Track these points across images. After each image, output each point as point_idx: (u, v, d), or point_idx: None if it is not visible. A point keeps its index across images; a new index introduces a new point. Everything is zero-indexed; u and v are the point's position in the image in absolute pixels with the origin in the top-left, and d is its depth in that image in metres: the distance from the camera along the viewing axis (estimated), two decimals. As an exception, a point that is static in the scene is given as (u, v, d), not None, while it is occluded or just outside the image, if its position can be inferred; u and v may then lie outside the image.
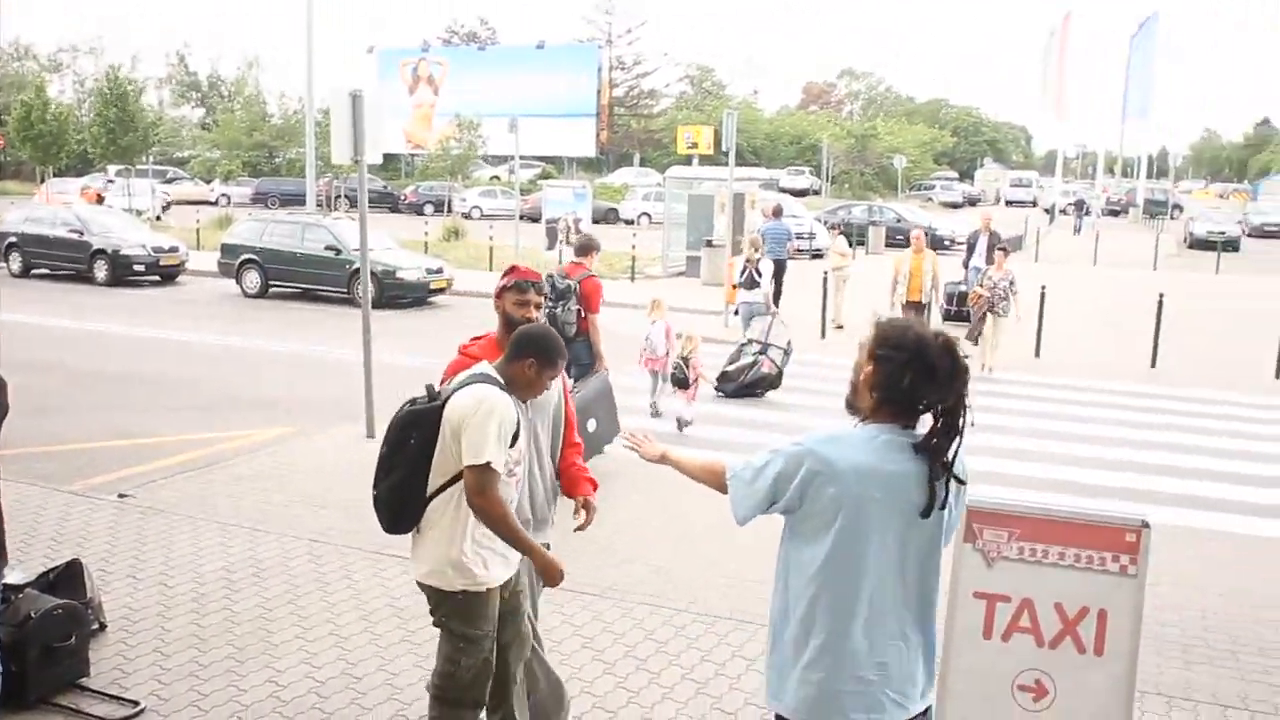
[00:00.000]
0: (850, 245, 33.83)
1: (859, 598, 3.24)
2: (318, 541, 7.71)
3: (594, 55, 66.11)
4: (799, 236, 31.13)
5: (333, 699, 5.46)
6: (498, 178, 55.82)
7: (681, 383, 12.12)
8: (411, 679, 5.67)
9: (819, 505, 3.23)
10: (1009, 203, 73.00)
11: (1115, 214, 65.10)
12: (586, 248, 10.43)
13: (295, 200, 42.61)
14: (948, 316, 19.05)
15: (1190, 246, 43.83)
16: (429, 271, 22.06)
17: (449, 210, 41.57)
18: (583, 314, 9.84)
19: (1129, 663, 4.45)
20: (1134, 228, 55.78)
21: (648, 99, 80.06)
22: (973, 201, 73.21)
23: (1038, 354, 17.02)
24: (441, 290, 22.20)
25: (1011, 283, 15.76)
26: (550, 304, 9.49)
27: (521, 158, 57.69)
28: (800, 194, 59.12)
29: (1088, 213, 50.72)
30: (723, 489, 3.51)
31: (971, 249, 19.97)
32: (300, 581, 6.96)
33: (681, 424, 11.96)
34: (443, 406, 4.28)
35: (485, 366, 4.45)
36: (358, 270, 20.63)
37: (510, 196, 28.54)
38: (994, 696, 4.53)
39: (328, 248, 21.36)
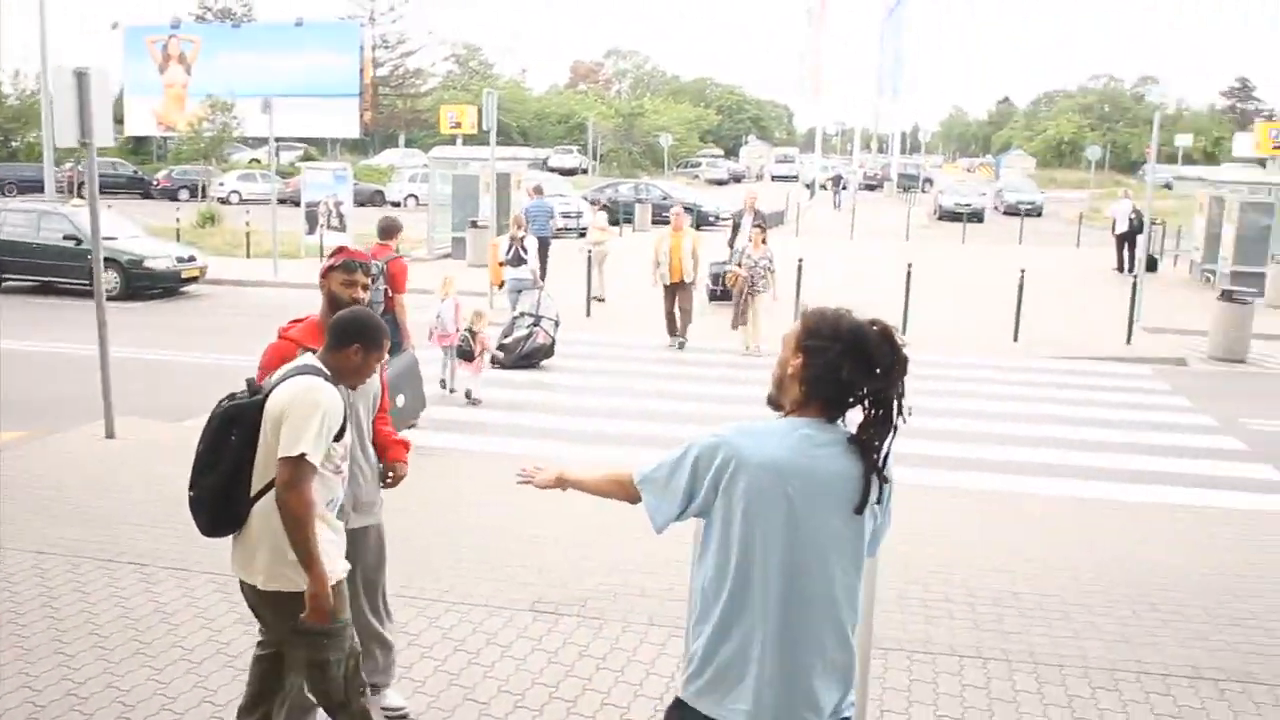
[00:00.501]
0: (616, 223, 34.16)
1: (776, 598, 2.99)
2: (44, 553, 7.20)
3: (355, 33, 64.33)
4: (566, 215, 31.17)
5: (56, 722, 5.10)
6: (257, 161, 53.66)
7: (467, 355, 12.38)
8: (143, 694, 5.35)
9: (732, 499, 3.01)
10: (774, 178, 75.07)
11: (872, 188, 67.83)
12: (391, 230, 10.60)
13: (35, 187, 39.87)
14: (714, 297, 19.29)
15: (940, 218, 46.06)
16: (180, 260, 21.03)
17: (204, 195, 39.71)
18: (389, 294, 10.02)
19: (865, 626, 4.57)
20: (889, 201, 58.24)
21: (413, 78, 78.53)
22: (738, 178, 74.95)
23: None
24: (194, 279, 21.20)
25: (770, 261, 15.62)
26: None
27: (282, 139, 55.82)
28: (569, 173, 59.28)
29: (845, 188, 52.64)
30: (634, 499, 3.29)
31: (737, 228, 19.76)
32: (23, 598, 6.49)
33: (470, 397, 12.34)
34: (264, 401, 4.06)
35: (310, 358, 4.23)
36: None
37: (271, 180, 27.39)
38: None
39: (66, 237, 20.07)
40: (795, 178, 73.13)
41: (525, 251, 15.71)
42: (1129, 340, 17.05)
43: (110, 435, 10.07)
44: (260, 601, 4.22)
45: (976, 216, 44.62)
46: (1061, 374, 14.98)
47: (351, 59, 61.44)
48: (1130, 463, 10.62)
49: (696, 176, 68.53)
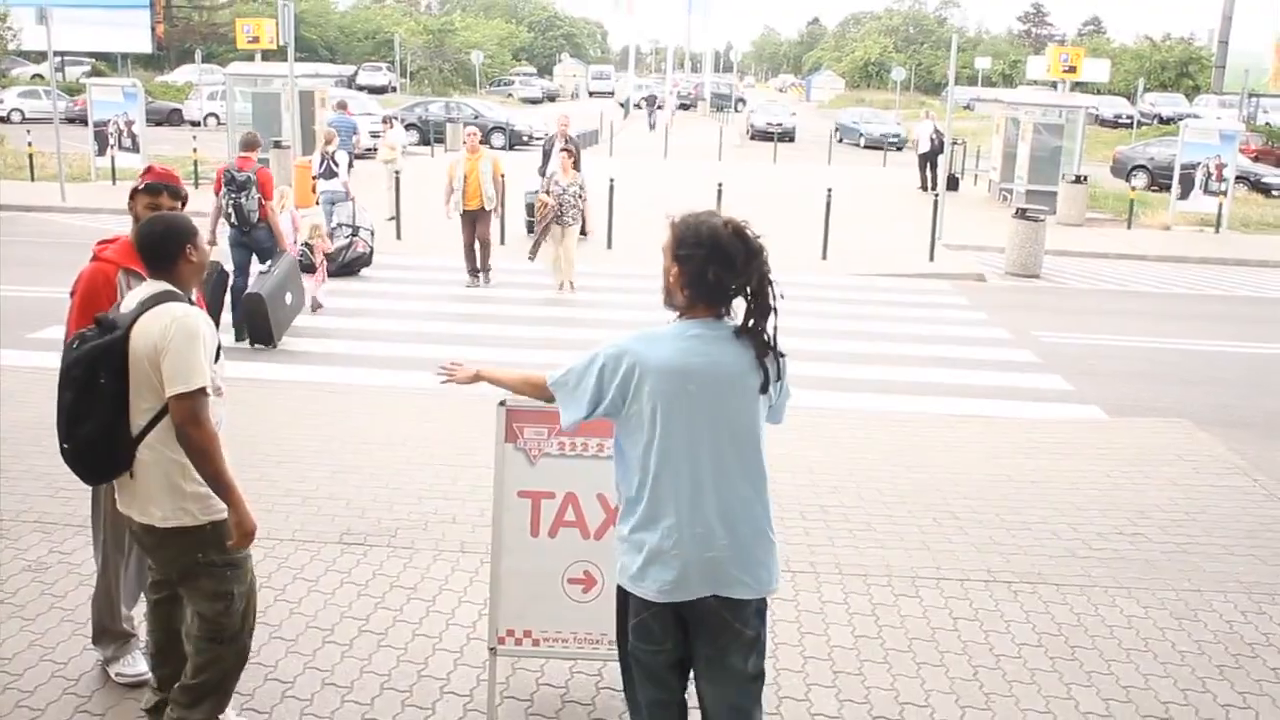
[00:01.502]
0: (427, 142, 33.44)
1: (694, 484, 3.36)
2: None
3: (143, -60, 60.64)
4: (375, 135, 30.28)
5: None
6: (40, 76, 50.31)
7: (308, 268, 12.86)
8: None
9: (639, 402, 3.35)
10: (591, 94, 74.37)
11: (685, 108, 67.99)
12: (252, 143, 11.74)
13: None
14: (531, 229, 18.08)
15: (752, 138, 46.58)
16: (-47, 183, 19.60)
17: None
18: (261, 202, 11.19)
19: (669, 544, 4.59)
20: (703, 121, 58.54)
21: (209, -10, 74.65)
22: (552, 97, 74.18)
23: (610, 246, 17.52)
24: (-29, 204, 19.82)
25: (581, 189, 14.20)
26: (234, 195, 11.15)
27: (66, 54, 52.51)
28: (378, 91, 57.54)
29: (660, 108, 52.53)
30: (548, 398, 3.63)
31: (548, 155, 18.15)
32: None
33: (315, 306, 12.75)
34: (126, 336, 3.78)
35: (160, 284, 3.94)
36: None
37: (54, 97, 25.65)
38: (545, 593, 4.57)
39: None
40: (612, 94, 72.69)
41: (337, 165, 16.25)
42: (931, 257, 17.61)
43: (-124, 373, 9.35)
44: (160, 541, 3.98)
45: (788, 136, 45.29)
46: (866, 290, 15.39)
47: (140, -33, 57.90)
48: (930, 376, 11.00)
49: (510, 95, 67.44)
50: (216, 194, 11.31)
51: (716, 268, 3.33)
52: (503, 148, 37.87)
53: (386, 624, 5.37)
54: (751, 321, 3.40)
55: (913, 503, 7.18)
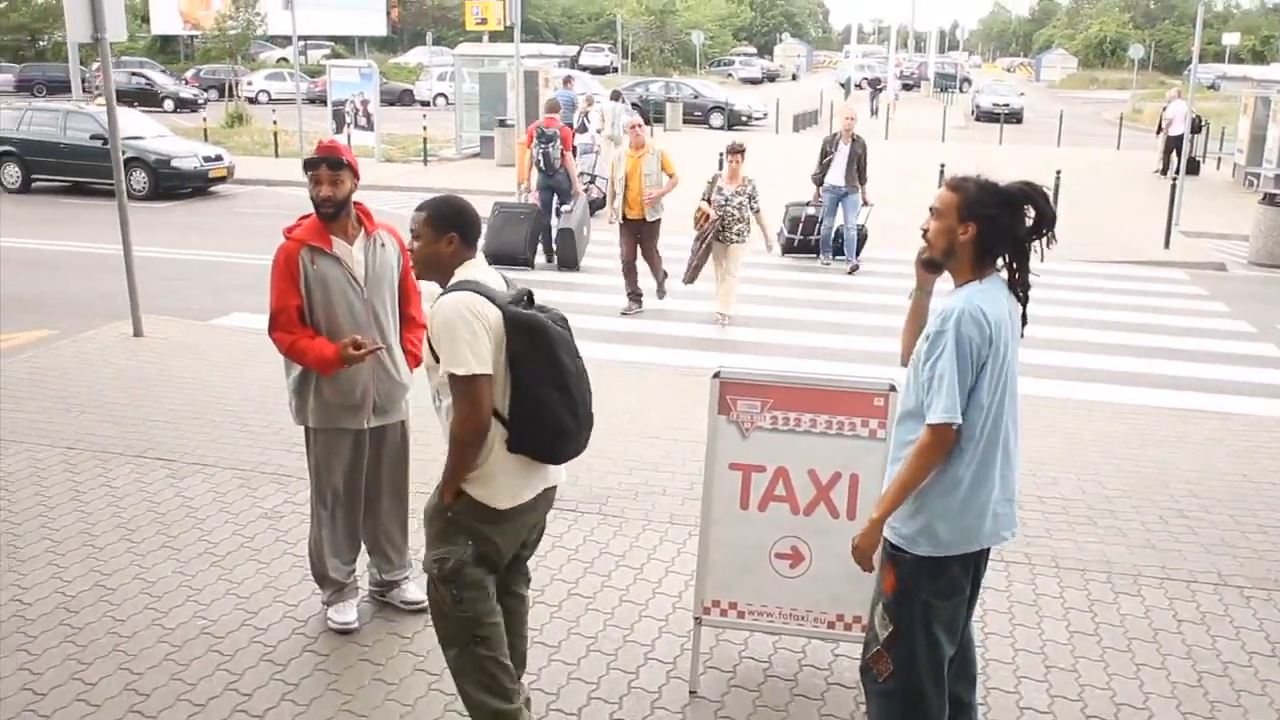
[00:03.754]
0: (648, 121, 33.74)
1: (1011, 427, 3.58)
2: (74, 449, 7.26)
3: (383, -72, 63.21)
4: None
5: (84, 613, 5.16)
6: (285, 60, 53.21)
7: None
8: (170, 586, 5.41)
9: (989, 356, 3.44)
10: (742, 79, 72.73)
11: (908, 88, 66.55)
12: (555, 106, 14.85)
13: (64, 88, 39.68)
14: (789, 249, 15.37)
15: (977, 119, 45.23)
16: (206, 160, 20.93)
17: (229, 95, 39.16)
18: (564, 153, 14.13)
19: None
20: (926, 101, 57.19)
21: (442, -26, 77.31)
22: (772, 77, 73.71)
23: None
24: (222, 179, 21.14)
25: (751, 199, 11.23)
26: (543, 146, 14.01)
27: (309, 38, 55.28)
28: (600, 71, 58.40)
29: (882, 89, 51.33)
30: (941, 443, 3.45)
31: (828, 163, 14.57)
32: (53, 492, 6.55)
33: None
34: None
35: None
36: (129, 160, 19.61)
37: (298, 79, 27.09)
38: (752, 565, 4.58)
39: (93, 137, 19.95)
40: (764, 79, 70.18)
41: (589, 122, 20.85)
42: (1167, 245, 16.74)
43: (138, 334, 10.09)
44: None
45: (1015, 117, 43.76)
46: (1098, 278, 14.75)
47: (379, -46, 60.41)
48: (1162, 368, 10.47)
49: (730, 75, 67.45)
50: (528, 147, 14.45)
51: (1021, 224, 3.54)
52: (721, 127, 37.96)
53: (595, 589, 5.49)
54: (1020, 279, 3.61)
55: (1138, 498, 6.87)
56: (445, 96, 42.38)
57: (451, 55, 32.32)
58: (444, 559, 3.74)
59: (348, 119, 25.91)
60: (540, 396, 3.58)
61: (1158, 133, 27.96)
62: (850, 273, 14.46)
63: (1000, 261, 3.59)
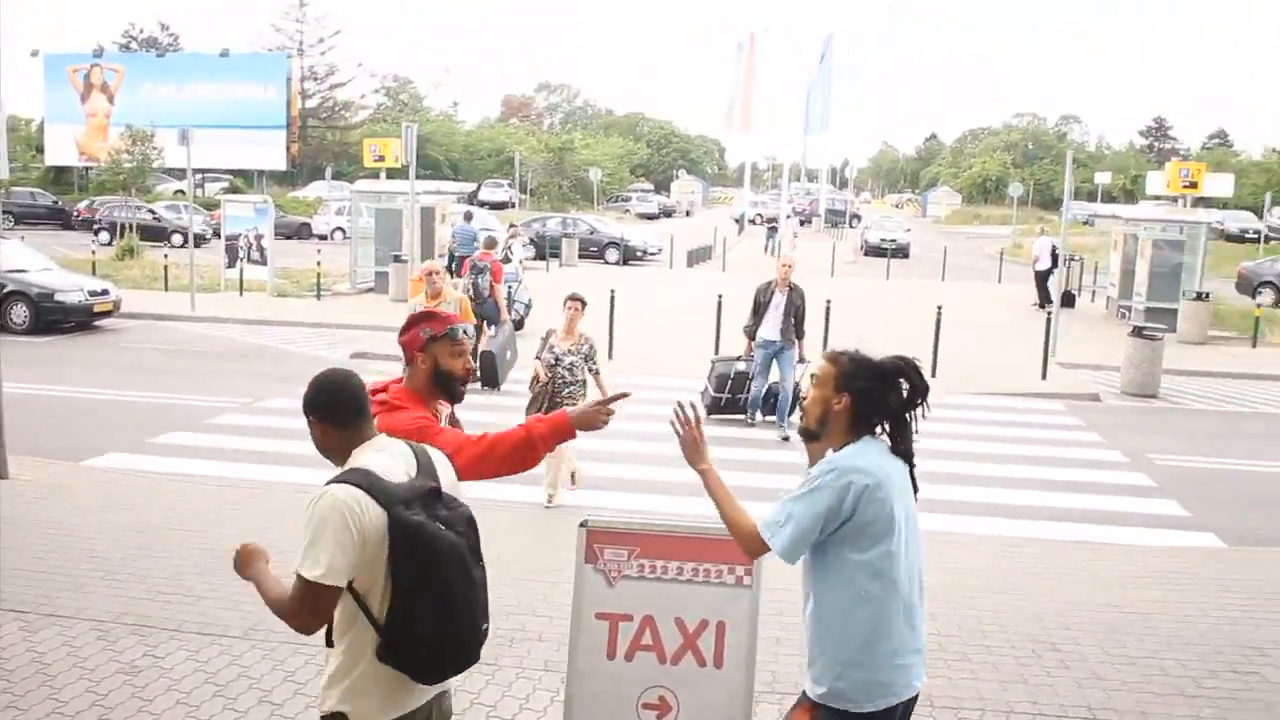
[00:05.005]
0: (543, 257, 34.18)
1: (907, 586, 3.69)
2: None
3: (283, 65, 63.67)
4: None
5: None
6: (182, 192, 52.90)
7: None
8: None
9: (870, 512, 3.55)
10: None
11: (803, 224, 68.38)
12: (491, 243, 18.01)
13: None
14: (716, 409, 13.69)
15: (866, 253, 46.55)
16: (92, 294, 20.57)
17: (122, 231, 38.54)
18: (492, 285, 15.52)
19: (747, 673, 4.53)
20: (817, 236, 58.79)
21: (343, 110, 78.07)
22: (668, 213, 75.27)
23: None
24: (107, 313, 20.74)
25: (588, 357, 9.83)
26: (475, 277, 15.52)
27: (207, 171, 55.16)
28: (499, 206, 59.15)
29: (776, 230, 51.22)
30: (752, 540, 3.65)
31: (760, 309, 13.25)
32: (-103, 649, 6.22)
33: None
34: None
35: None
36: (10, 294, 19.22)
37: (198, 212, 26.95)
38: (620, 716, 4.52)
39: (-29, 272, 19.55)
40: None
41: (512, 254, 22.47)
42: (1044, 376, 17.27)
43: (2, 475, 9.76)
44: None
45: (902, 252, 45.18)
46: (977, 410, 15.12)
47: (279, 90, 60.82)
48: (1040, 499, 10.71)
49: (627, 211, 68.70)
50: (462, 275, 16.39)
51: (895, 396, 3.74)
52: (617, 262, 38.52)
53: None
54: (903, 443, 3.79)
55: (1012, 632, 6.96)
56: (343, 230, 42.39)
57: (350, 190, 32.44)
58: None
59: (240, 253, 25.77)
60: (414, 611, 3.23)
61: (1034, 268, 29.11)
62: (783, 440, 12.79)
63: (880, 430, 3.77)
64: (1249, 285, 31.78)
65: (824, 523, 3.54)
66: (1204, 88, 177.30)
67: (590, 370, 9.79)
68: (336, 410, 3.43)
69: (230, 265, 25.84)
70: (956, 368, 17.29)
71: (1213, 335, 22.76)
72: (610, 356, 17.21)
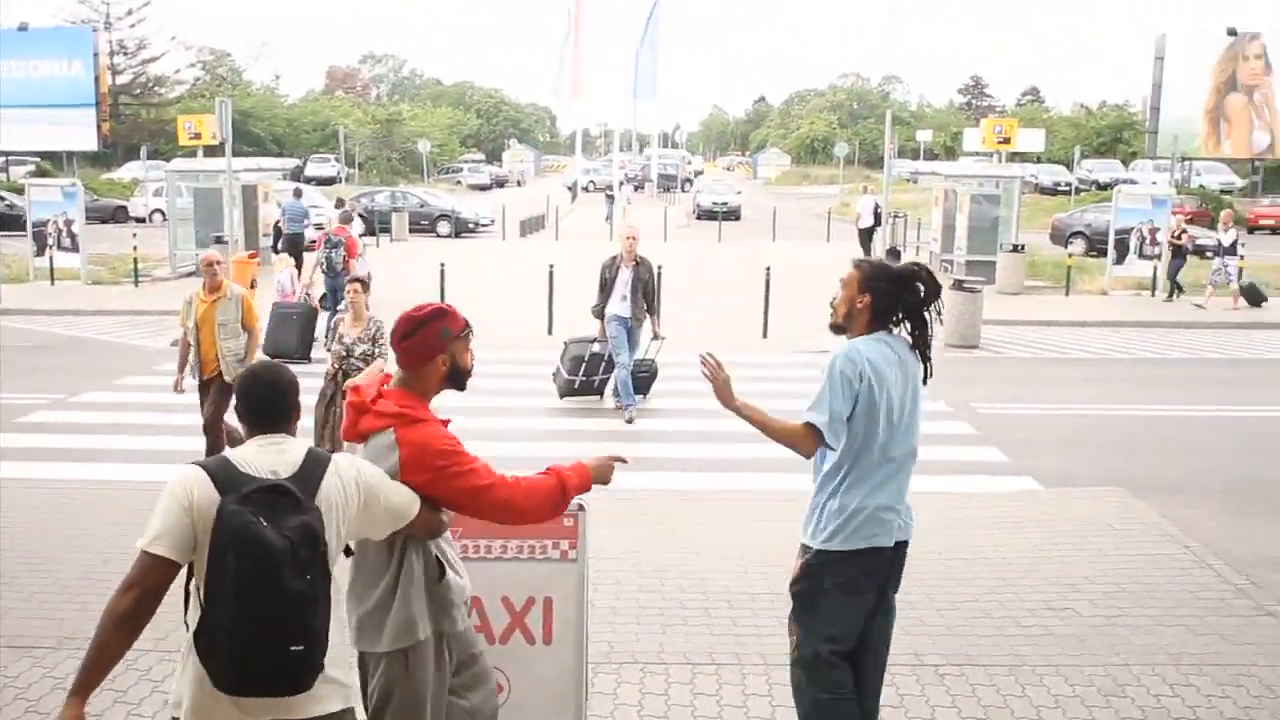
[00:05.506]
0: (373, 232, 33.51)
1: (894, 449, 4.48)
2: None
3: (88, 39, 60.25)
4: (318, 228, 30.47)
5: None
6: (-18, 177, 50.20)
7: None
8: None
9: (865, 391, 4.34)
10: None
11: (636, 189, 68.60)
12: (348, 218, 18.05)
13: None
14: (570, 391, 13.14)
15: (698, 218, 47.02)
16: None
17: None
18: (346, 259, 16.26)
19: (577, 647, 4.53)
20: (649, 202, 59.07)
21: (157, 86, 74.85)
22: (501, 183, 74.63)
23: (551, 332, 17.47)
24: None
25: (375, 340, 9.16)
26: (329, 250, 16.36)
27: (13, 154, 52.28)
28: (327, 182, 57.72)
29: (612, 199, 50.78)
30: (806, 437, 4.38)
31: (607, 286, 12.36)
32: None
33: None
34: None
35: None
36: None
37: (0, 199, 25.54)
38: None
39: None
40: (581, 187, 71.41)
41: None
42: (872, 331, 17.69)
43: None
44: None
45: (733, 215, 45.76)
46: (806, 368, 15.39)
47: (85, 66, 57.83)
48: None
49: (459, 182, 67.89)
50: (317, 249, 17.13)
51: (907, 298, 4.44)
52: (449, 235, 38.03)
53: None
54: (919, 338, 4.49)
55: (842, 585, 7.11)
56: (162, 212, 40.81)
57: (165, 169, 31.11)
58: None
59: (50, 240, 24.54)
60: (220, 615, 3.11)
61: (857, 225, 29.85)
62: (628, 422, 12.23)
63: (904, 329, 4.48)
64: (1061, 236, 33.21)
65: (850, 400, 4.30)
66: (1018, 47, 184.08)
67: (383, 355, 8.97)
68: (246, 409, 3.46)
69: (39, 253, 24.58)
70: (786, 327, 17.63)
71: (1029, 285, 23.74)
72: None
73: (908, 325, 4.46)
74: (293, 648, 3.13)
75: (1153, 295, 23.11)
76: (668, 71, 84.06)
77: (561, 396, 13.07)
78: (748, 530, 8.28)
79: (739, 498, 9.38)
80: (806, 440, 4.34)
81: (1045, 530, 8.33)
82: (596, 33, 75.20)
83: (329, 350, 9.35)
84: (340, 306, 14.60)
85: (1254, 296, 21.95)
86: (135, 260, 24.34)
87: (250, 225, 25.56)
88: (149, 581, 3.18)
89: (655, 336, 12.53)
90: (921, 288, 4.42)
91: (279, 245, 27.17)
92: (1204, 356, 17.38)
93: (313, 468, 3.35)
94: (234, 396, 3.49)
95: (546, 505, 3.84)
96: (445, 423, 3.86)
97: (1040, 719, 5.47)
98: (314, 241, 21.50)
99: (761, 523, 8.44)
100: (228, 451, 3.43)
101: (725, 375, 4.44)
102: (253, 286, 17.99)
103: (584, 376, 12.96)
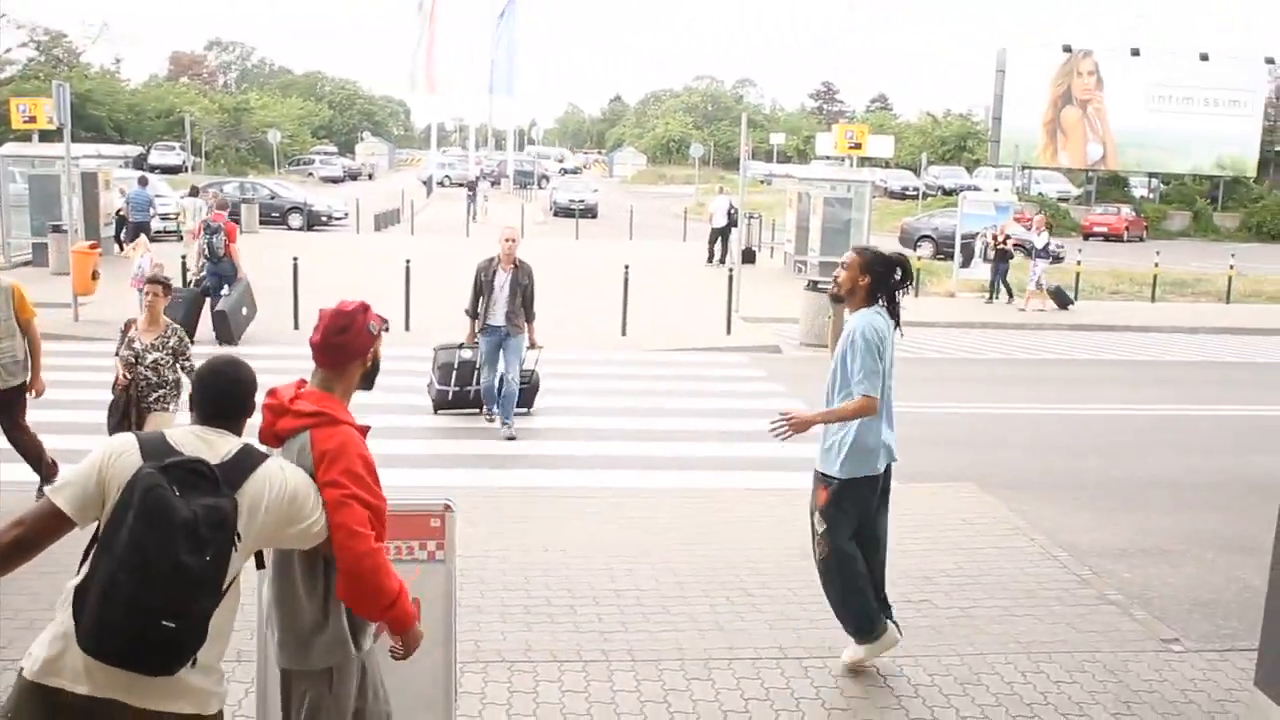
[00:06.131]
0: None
1: (891, 396, 5.90)
2: None
3: (-90, 17, 57.68)
4: (164, 218, 29.50)
5: None
6: None
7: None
8: None
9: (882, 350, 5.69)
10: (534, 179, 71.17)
11: (494, 184, 68.13)
12: (224, 204, 18.54)
13: None
14: (443, 403, 12.21)
15: (555, 214, 46.93)
16: None
17: None
18: (228, 245, 16.21)
19: (446, 647, 4.45)
20: (506, 198, 58.75)
21: (-15, 68, 71.30)
22: (354, 175, 73.28)
23: (408, 329, 17.22)
24: None
25: (178, 352, 8.13)
26: (209, 237, 16.25)
27: None
28: (172, 170, 55.81)
29: (473, 196, 50.06)
30: (868, 406, 5.61)
31: (481, 289, 11.42)
32: None
33: None
34: None
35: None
36: None
37: None
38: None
39: None
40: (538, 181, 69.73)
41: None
42: (729, 330, 17.94)
43: None
44: None
45: (590, 212, 45.80)
46: (665, 365, 15.54)
47: (-94, 45, 54.96)
48: (728, 450, 11.11)
49: (310, 174, 66.39)
50: (196, 237, 17.48)
51: (897, 279, 5.79)
52: (300, 228, 37.15)
53: None
54: (895, 309, 5.81)
55: (707, 581, 7.18)
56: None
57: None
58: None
59: None
60: (103, 571, 3.00)
61: (710, 224, 30.21)
62: (509, 439, 11.26)
63: (881, 302, 5.76)
64: (910, 240, 34.17)
65: (878, 359, 5.56)
66: (866, 53, 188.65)
67: (184, 368, 8.08)
68: (197, 401, 3.45)
69: None
70: (645, 325, 17.71)
71: (880, 286, 24.24)
72: (296, 327, 16.60)
73: (884, 300, 5.75)
74: (164, 622, 2.98)
75: (996, 298, 23.89)
76: (524, 68, 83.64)
77: (436, 411, 12.18)
78: (612, 528, 8.28)
79: (605, 495, 9.35)
80: (871, 407, 5.58)
81: (900, 524, 8.39)
82: (452, 27, 74.36)
83: (118, 355, 8.14)
84: (225, 291, 15.99)
85: (1061, 299, 23.01)
86: (-40, 249, 23.12)
87: (90, 214, 24.50)
88: (38, 527, 3.15)
89: (532, 345, 11.62)
90: (901, 272, 5.78)
91: (123, 234, 26.21)
92: (1046, 357, 18.06)
93: (243, 462, 3.27)
94: (192, 395, 3.47)
95: (380, 604, 3.51)
96: (365, 430, 3.69)
97: (901, 708, 5.59)
98: (192, 230, 21.79)
99: (626, 520, 8.45)
100: (167, 431, 3.37)
101: (798, 417, 5.70)
102: (94, 278, 17.35)
103: (457, 387, 12.05)
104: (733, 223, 27.28)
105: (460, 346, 11.91)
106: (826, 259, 24.75)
